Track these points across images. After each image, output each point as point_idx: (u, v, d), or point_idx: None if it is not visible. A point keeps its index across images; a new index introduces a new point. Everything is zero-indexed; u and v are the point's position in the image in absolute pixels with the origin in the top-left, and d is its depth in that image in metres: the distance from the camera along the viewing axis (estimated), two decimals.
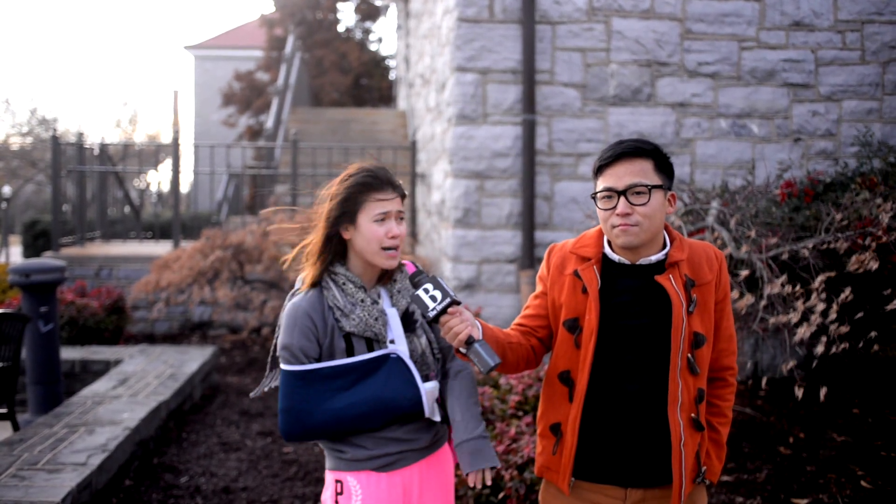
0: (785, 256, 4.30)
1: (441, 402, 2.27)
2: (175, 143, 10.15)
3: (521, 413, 3.98)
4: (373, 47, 22.24)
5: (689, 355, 2.05)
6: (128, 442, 4.51)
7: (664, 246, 2.12)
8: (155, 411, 5.09)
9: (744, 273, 4.24)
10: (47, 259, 6.84)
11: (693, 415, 2.07)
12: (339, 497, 2.18)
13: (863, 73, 6.43)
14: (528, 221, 6.30)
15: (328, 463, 2.24)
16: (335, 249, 2.19)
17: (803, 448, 4.48)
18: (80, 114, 49.05)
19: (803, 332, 3.92)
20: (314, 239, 2.20)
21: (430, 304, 1.97)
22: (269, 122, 12.12)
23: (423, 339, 2.23)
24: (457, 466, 2.41)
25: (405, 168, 9.90)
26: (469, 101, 6.35)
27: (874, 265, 3.98)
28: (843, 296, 3.95)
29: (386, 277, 2.25)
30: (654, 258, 2.09)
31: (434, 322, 2.01)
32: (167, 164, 24.29)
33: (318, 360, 2.14)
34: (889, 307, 3.91)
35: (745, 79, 6.42)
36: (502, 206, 6.39)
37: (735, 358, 2.20)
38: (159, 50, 73.62)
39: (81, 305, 7.65)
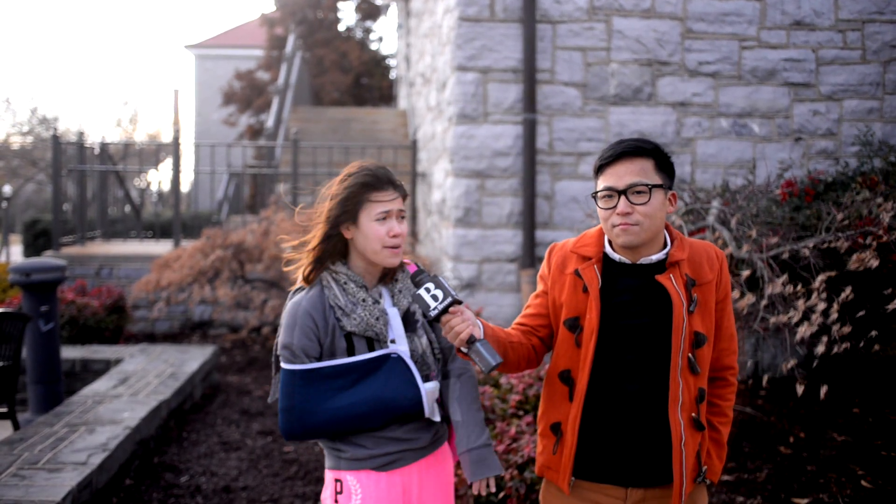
0: (786, 256, 4.30)
1: (441, 402, 2.27)
2: (175, 143, 10.15)
3: (521, 412, 3.97)
4: (373, 46, 22.24)
5: (690, 355, 2.05)
6: (128, 441, 4.51)
7: (665, 245, 2.12)
8: (155, 410, 5.09)
9: (745, 273, 4.23)
10: (48, 258, 6.84)
11: (694, 414, 2.07)
12: (338, 496, 2.18)
13: (864, 72, 6.43)
14: (529, 221, 6.30)
15: (328, 462, 2.24)
16: (337, 249, 2.19)
17: (804, 447, 4.48)
18: (80, 113, 49.11)
19: (804, 331, 3.92)
20: (314, 237, 2.20)
21: (432, 304, 1.97)
22: (270, 121, 12.11)
23: (424, 339, 2.23)
24: (457, 465, 2.42)
25: (406, 167, 9.90)
26: (470, 100, 6.35)
27: (875, 264, 3.97)
28: (843, 295, 3.95)
29: (387, 277, 2.25)
30: (654, 257, 2.09)
31: (435, 321, 2.01)
32: (168, 163, 24.28)
33: (319, 359, 2.14)
34: (890, 306, 3.90)
35: (746, 78, 6.41)
36: (503, 206, 6.39)
37: (736, 357, 2.20)
38: (160, 49, 73.70)
39: (82, 305, 7.65)
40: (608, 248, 2.13)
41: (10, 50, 61.69)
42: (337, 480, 2.19)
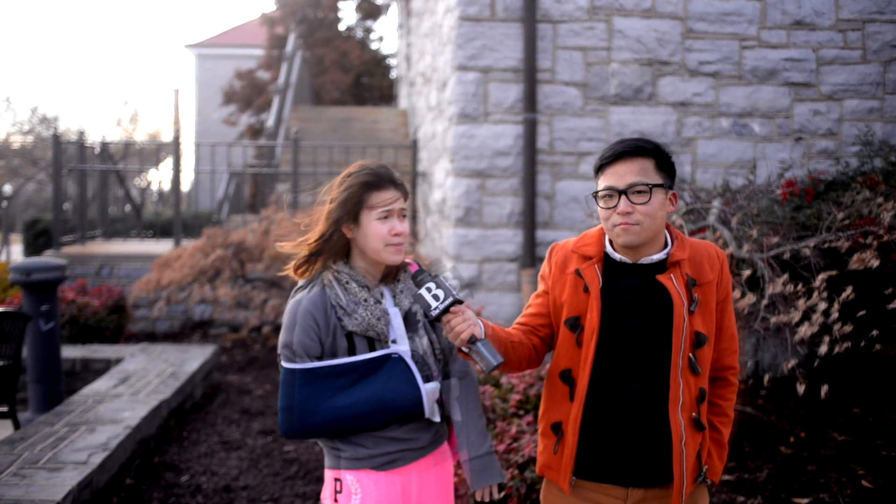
0: (786, 255, 4.30)
1: (441, 402, 2.27)
2: (176, 142, 10.16)
3: (522, 412, 3.97)
4: (374, 46, 22.24)
5: (691, 355, 2.05)
6: (129, 440, 4.51)
7: (666, 245, 2.12)
8: (156, 410, 5.09)
9: (745, 272, 4.23)
10: (48, 258, 6.84)
11: (694, 414, 2.06)
12: (338, 495, 2.19)
13: (864, 72, 6.43)
14: (530, 220, 6.30)
15: (327, 461, 2.24)
16: (338, 248, 2.19)
17: (804, 447, 4.48)
18: (81, 112, 49.12)
19: (805, 331, 3.92)
20: (312, 234, 2.20)
21: (433, 303, 1.97)
22: (270, 120, 12.12)
23: (425, 340, 2.23)
24: (457, 465, 2.42)
25: (406, 167, 9.90)
26: (470, 99, 6.35)
27: (875, 263, 3.97)
28: (844, 294, 3.95)
29: (389, 277, 2.25)
30: (655, 257, 2.09)
31: (436, 321, 2.01)
32: (168, 162, 24.29)
33: (320, 358, 2.14)
34: (890, 306, 3.91)
35: (747, 78, 6.41)
36: (503, 205, 6.39)
37: (737, 357, 2.20)
38: (160, 48, 73.68)
39: (82, 304, 7.65)
40: (609, 248, 2.13)
41: (10, 49, 61.72)
42: (336, 480, 2.19)
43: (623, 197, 2.01)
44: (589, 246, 2.15)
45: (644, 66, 6.38)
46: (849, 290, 3.96)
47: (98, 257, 9.35)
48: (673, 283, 2.04)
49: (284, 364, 2.16)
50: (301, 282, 2.24)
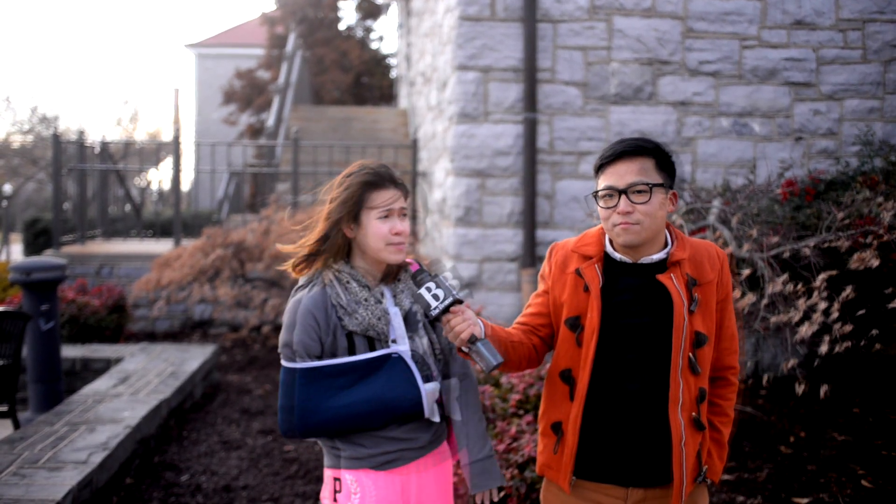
0: (786, 255, 4.30)
1: (441, 402, 2.26)
2: (176, 142, 10.15)
3: (521, 412, 3.97)
4: (374, 46, 22.24)
5: (691, 355, 2.05)
6: (129, 440, 4.51)
7: (666, 245, 2.12)
8: (156, 410, 5.09)
9: (745, 272, 4.23)
10: (48, 257, 6.84)
11: (694, 414, 2.06)
12: (337, 495, 2.18)
13: (864, 71, 6.42)
14: (530, 220, 6.30)
15: (326, 461, 2.24)
16: (339, 248, 2.18)
17: (804, 447, 4.48)
18: (81, 112, 49.12)
19: (805, 330, 3.92)
20: (313, 234, 2.20)
21: (433, 303, 1.97)
22: (270, 120, 12.11)
23: (425, 340, 2.23)
24: (456, 465, 2.42)
25: (406, 166, 9.90)
26: (470, 99, 6.34)
27: (875, 263, 3.97)
28: (844, 294, 3.95)
29: (390, 277, 2.25)
30: (655, 257, 2.08)
31: (436, 321, 2.00)
32: (168, 162, 24.30)
33: (320, 358, 2.14)
34: (890, 305, 3.91)
35: (747, 77, 6.41)
36: (503, 205, 6.39)
37: (737, 357, 2.19)
38: (160, 48, 73.68)
39: (82, 303, 7.65)
40: (609, 248, 2.13)
41: (10, 49, 61.71)
42: (336, 479, 2.19)
43: (623, 196, 2.01)
44: (589, 245, 2.15)
45: (644, 65, 6.38)
46: (849, 289, 3.96)
47: (98, 257, 9.35)
48: (673, 282, 2.04)
49: (284, 363, 2.16)
50: (301, 281, 2.24)
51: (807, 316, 4.08)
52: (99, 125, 42.55)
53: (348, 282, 2.16)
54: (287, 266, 2.24)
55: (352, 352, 2.13)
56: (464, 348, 1.99)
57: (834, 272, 4.10)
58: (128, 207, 13.47)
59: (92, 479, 3.87)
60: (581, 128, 6.39)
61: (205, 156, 21.05)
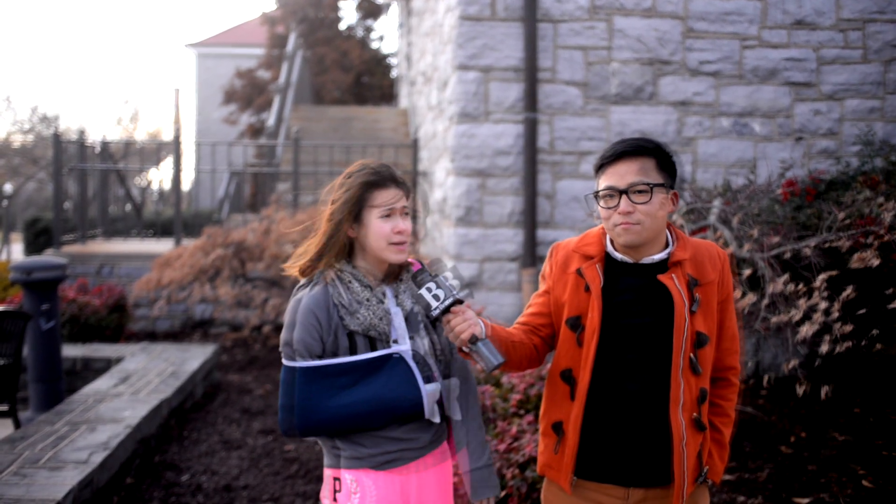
0: (787, 255, 4.30)
1: (441, 402, 2.26)
2: (176, 141, 10.16)
3: (522, 412, 3.98)
4: (374, 45, 22.24)
5: (692, 355, 2.04)
6: (129, 440, 4.51)
7: (667, 245, 2.11)
8: (156, 409, 5.09)
9: (746, 272, 4.23)
10: (49, 257, 6.84)
11: (695, 415, 2.06)
12: (337, 495, 2.18)
13: (865, 71, 6.42)
14: (530, 220, 6.30)
15: (326, 460, 2.24)
16: (341, 248, 2.18)
17: (805, 447, 4.48)
18: (81, 111, 49.18)
19: (805, 330, 3.92)
20: (318, 235, 2.20)
21: (433, 303, 1.97)
22: (271, 119, 12.11)
23: (427, 340, 2.22)
24: (455, 466, 2.42)
25: (407, 166, 9.90)
26: (471, 99, 6.34)
27: (876, 263, 3.97)
28: (845, 294, 3.95)
29: (392, 276, 2.25)
30: (656, 257, 2.08)
31: (437, 321, 2.00)
32: (168, 161, 24.29)
33: (321, 357, 2.14)
34: (891, 306, 3.91)
35: (747, 77, 6.41)
36: (504, 205, 6.39)
37: (738, 357, 2.19)
38: (161, 47, 73.69)
39: (83, 303, 7.66)
40: (610, 248, 2.13)
41: (10, 48, 61.71)
42: (335, 479, 2.19)
43: (624, 196, 2.01)
44: (590, 245, 2.14)
45: (645, 65, 6.38)
46: (849, 289, 3.96)
47: (98, 256, 9.35)
48: (674, 282, 2.04)
49: (285, 362, 2.16)
50: (303, 280, 2.24)
51: (807, 316, 4.08)
52: (99, 125, 42.60)
53: (350, 281, 2.16)
54: (294, 271, 2.23)
55: (353, 351, 2.13)
56: (464, 348, 1.99)
57: (834, 272, 4.10)
58: (128, 207, 13.47)
59: (93, 478, 3.87)
60: (581, 128, 6.39)
61: (205, 155, 21.05)
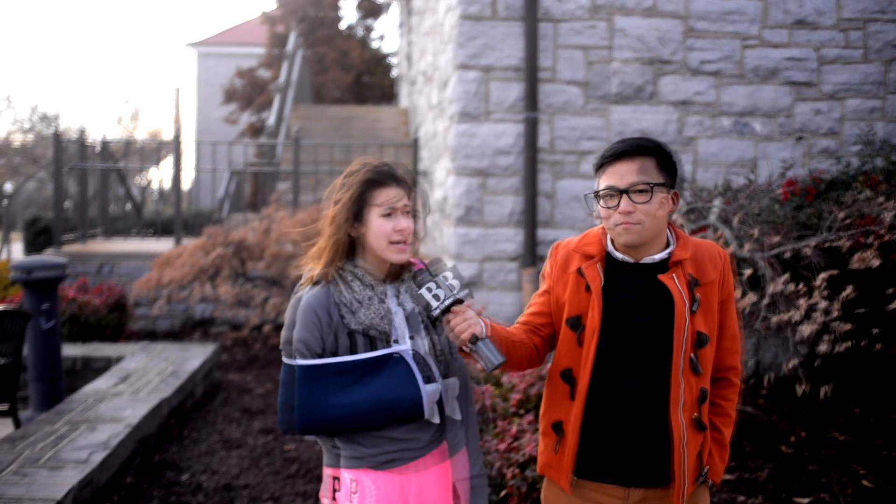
0: (787, 255, 4.30)
1: (441, 402, 2.26)
2: (177, 141, 10.16)
3: (522, 411, 3.98)
4: (374, 45, 22.24)
5: (692, 355, 2.04)
6: (129, 439, 4.51)
7: (668, 244, 2.11)
8: (156, 409, 5.09)
9: (747, 272, 4.23)
10: (49, 256, 6.84)
11: (695, 415, 2.06)
12: (336, 494, 2.18)
13: (866, 71, 6.42)
14: (531, 219, 6.30)
15: (326, 460, 2.24)
16: (344, 247, 2.18)
17: (805, 447, 4.48)
18: (81, 111, 49.17)
19: (805, 329, 3.92)
20: (324, 240, 2.19)
21: (434, 303, 1.97)
22: (271, 119, 12.11)
23: (427, 340, 2.22)
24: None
25: (407, 166, 9.86)
26: (471, 98, 6.34)
27: (876, 263, 3.97)
28: (845, 294, 3.95)
29: (393, 276, 2.24)
30: (657, 257, 2.08)
31: (437, 321, 2.00)
32: (169, 161, 24.30)
33: (321, 355, 2.13)
34: (891, 306, 3.91)
35: (748, 77, 6.41)
36: (504, 204, 6.39)
37: (739, 357, 2.19)
38: (161, 47, 73.60)
39: (83, 302, 7.66)
40: (611, 247, 2.12)
41: (11, 47, 61.71)
42: (334, 478, 2.19)
43: (624, 196, 2.01)
44: (591, 245, 2.14)
45: (645, 64, 6.38)
46: (849, 289, 3.97)
47: (99, 256, 9.35)
48: (675, 282, 2.04)
49: (285, 360, 2.16)
50: (304, 277, 2.23)
51: (807, 315, 4.08)
52: (100, 124, 42.60)
53: (352, 280, 2.15)
54: (308, 281, 2.20)
55: (353, 350, 2.13)
56: (465, 348, 1.99)
57: (835, 272, 4.10)
58: (128, 206, 13.48)
59: (93, 478, 3.87)
60: (582, 127, 6.39)
61: (205, 155, 21.05)
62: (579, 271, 2.11)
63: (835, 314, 3.93)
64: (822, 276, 4.00)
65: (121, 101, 47.42)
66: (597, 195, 2.07)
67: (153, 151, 21.72)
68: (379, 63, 21.53)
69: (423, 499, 2.22)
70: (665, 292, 2.04)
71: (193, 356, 6.56)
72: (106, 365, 6.59)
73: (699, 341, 2.05)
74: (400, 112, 13.94)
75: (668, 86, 6.40)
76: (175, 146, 10.18)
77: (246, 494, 4.32)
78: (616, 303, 2.07)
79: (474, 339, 1.95)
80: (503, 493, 3.31)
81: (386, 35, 32.37)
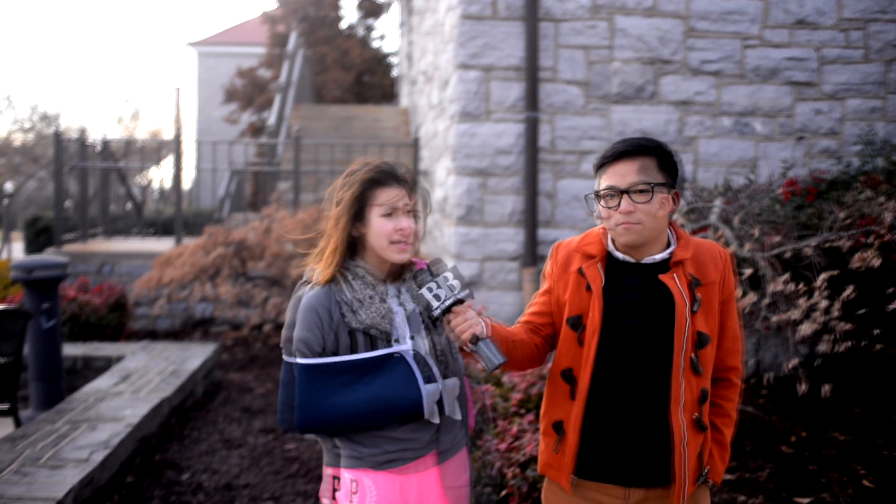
0: (788, 255, 4.30)
1: (440, 402, 2.26)
2: (177, 140, 10.16)
3: (523, 411, 3.98)
4: (375, 44, 22.24)
5: (693, 355, 2.04)
6: (130, 438, 4.51)
7: (669, 244, 2.11)
8: (157, 408, 5.09)
9: (747, 272, 4.23)
10: (49, 255, 6.84)
11: (696, 415, 2.06)
12: (335, 493, 2.18)
13: (866, 71, 6.42)
14: (531, 219, 6.30)
15: (326, 459, 2.24)
16: (346, 247, 2.18)
17: (805, 447, 4.48)
18: (82, 110, 49.15)
19: (806, 329, 3.92)
20: (328, 241, 2.18)
21: (434, 303, 1.97)
22: (272, 118, 12.11)
23: (427, 340, 2.22)
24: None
25: (408, 165, 9.87)
26: (472, 98, 6.34)
27: (877, 263, 3.97)
28: (845, 294, 3.95)
29: (395, 275, 2.24)
30: (658, 257, 2.08)
31: (438, 321, 2.00)
32: (169, 160, 24.30)
33: (322, 354, 2.13)
34: (892, 306, 3.91)
35: (749, 77, 6.41)
36: (505, 204, 6.39)
37: (740, 358, 2.19)
38: (162, 46, 73.60)
39: (83, 302, 7.66)
40: (612, 247, 2.12)
41: (11, 47, 61.71)
42: (334, 478, 2.19)
43: (625, 196, 2.01)
44: (592, 245, 2.14)
45: (646, 64, 6.38)
46: (850, 289, 3.96)
47: (99, 255, 9.36)
48: (675, 282, 2.04)
49: (285, 359, 2.16)
50: (305, 277, 2.23)
51: (808, 315, 4.08)
52: (100, 123, 42.61)
53: (353, 279, 2.15)
54: (319, 284, 2.18)
55: (354, 350, 2.13)
56: (466, 348, 1.99)
57: (835, 272, 4.10)
58: (129, 206, 13.48)
59: (93, 477, 3.87)
60: (583, 127, 6.39)
61: (206, 154, 21.04)
62: (580, 271, 2.11)
63: (835, 314, 3.93)
64: (823, 275, 4.00)
65: (121, 101, 47.50)
66: (597, 195, 2.07)
67: (154, 151, 21.73)
68: (379, 63, 21.53)
69: (424, 499, 2.22)
70: (666, 292, 2.04)
71: (194, 356, 6.57)
72: (106, 364, 6.59)
73: (700, 341, 2.05)
74: (400, 112, 13.94)
75: (669, 86, 6.40)
76: (175, 146, 10.18)
77: (246, 494, 4.32)
78: (617, 303, 2.07)
79: (475, 339, 1.95)
80: (504, 492, 3.31)
81: (386, 35, 32.48)
